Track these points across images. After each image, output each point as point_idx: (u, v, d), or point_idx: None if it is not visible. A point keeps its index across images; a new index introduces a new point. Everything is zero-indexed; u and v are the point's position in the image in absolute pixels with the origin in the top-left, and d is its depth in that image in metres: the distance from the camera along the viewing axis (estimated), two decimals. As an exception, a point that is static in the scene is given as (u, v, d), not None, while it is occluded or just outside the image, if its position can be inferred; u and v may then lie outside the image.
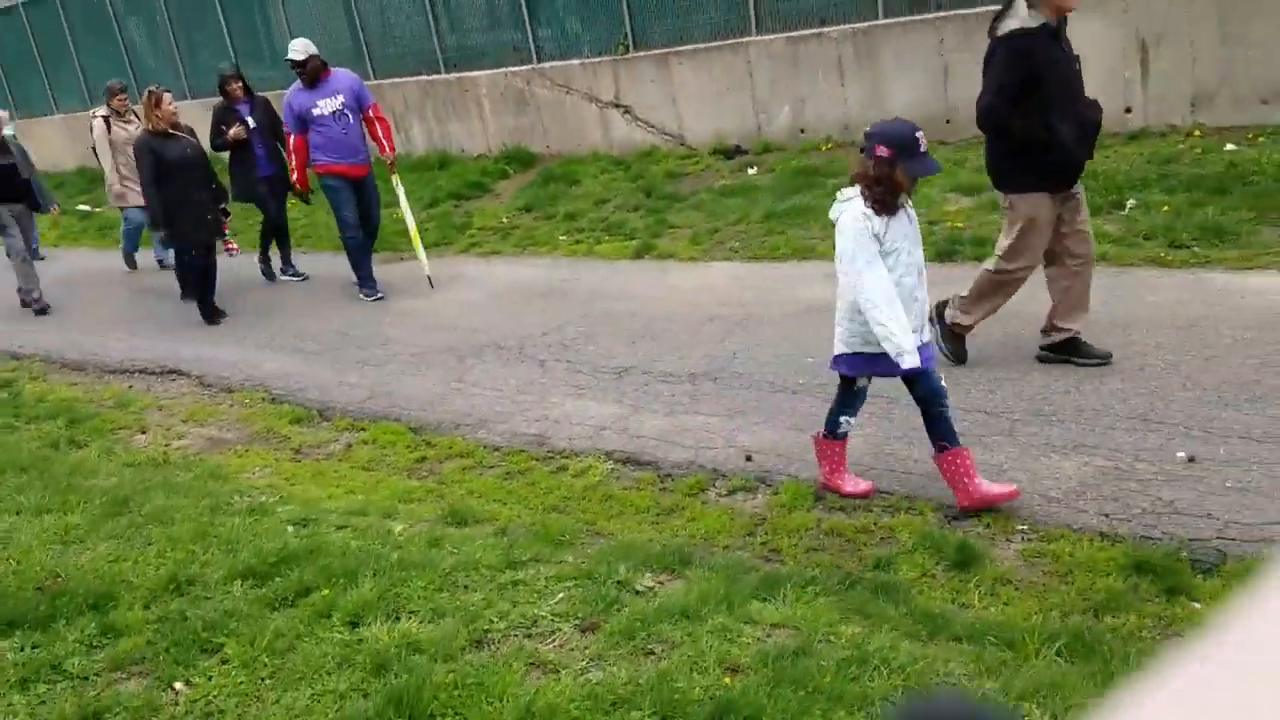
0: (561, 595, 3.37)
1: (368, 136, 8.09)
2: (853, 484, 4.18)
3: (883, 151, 3.69)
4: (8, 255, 9.38)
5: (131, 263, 10.62)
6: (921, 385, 3.91)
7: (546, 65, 11.88)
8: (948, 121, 9.24)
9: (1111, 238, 6.43)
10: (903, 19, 9.38)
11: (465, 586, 3.47)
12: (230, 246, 8.35)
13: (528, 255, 8.92)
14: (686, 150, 10.86)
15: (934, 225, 7.49)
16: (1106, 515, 3.72)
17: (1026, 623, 3.13)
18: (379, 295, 8.08)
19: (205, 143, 8.33)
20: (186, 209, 7.72)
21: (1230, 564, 3.33)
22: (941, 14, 9.12)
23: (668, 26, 11.01)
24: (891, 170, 3.67)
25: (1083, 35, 8.39)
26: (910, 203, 3.92)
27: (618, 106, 11.49)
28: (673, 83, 10.96)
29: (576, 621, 3.18)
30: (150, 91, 7.84)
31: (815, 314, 6.27)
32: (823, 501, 4.20)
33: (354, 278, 8.28)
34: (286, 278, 9.30)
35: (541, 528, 4.12)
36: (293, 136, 7.97)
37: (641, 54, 11.09)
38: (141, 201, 8.56)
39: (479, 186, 11.20)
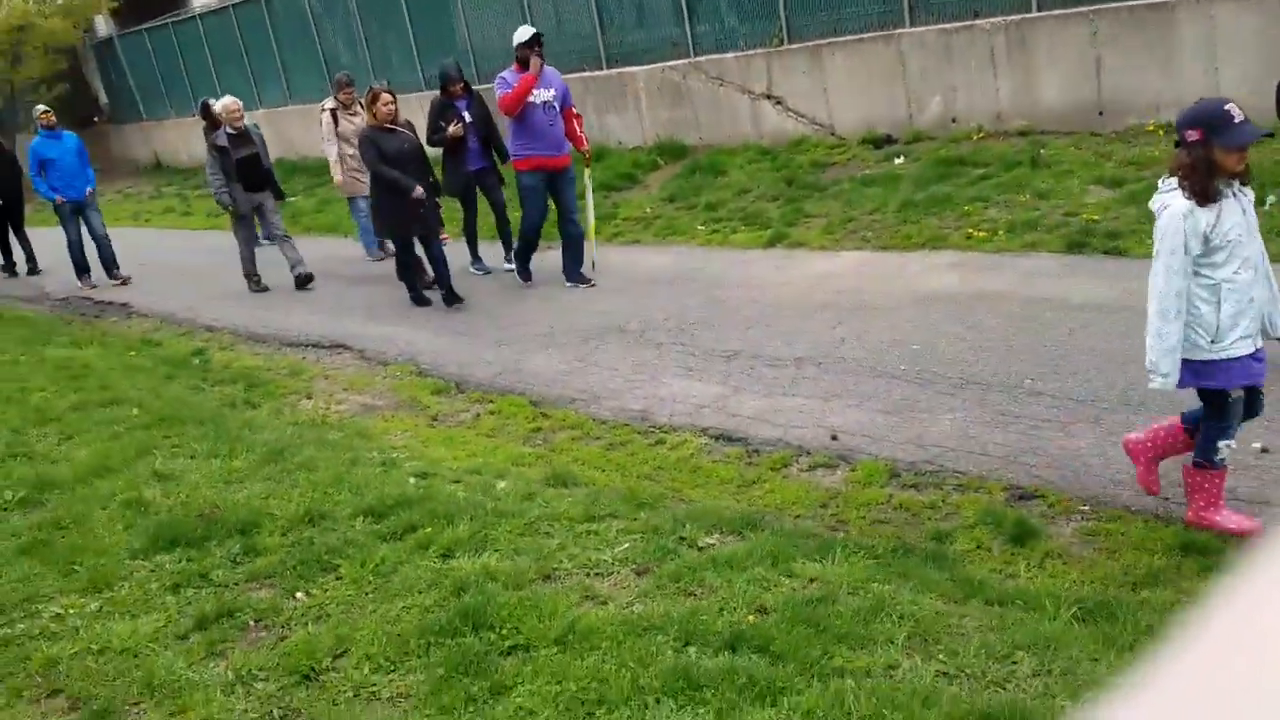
0: (627, 545, 3.76)
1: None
2: (1236, 520, 3.59)
3: (1192, 135, 3.36)
4: (237, 238, 10.15)
5: (376, 249, 10.85)
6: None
7: (702, 59, 12.24)
8: (1100, 114, 9.04)
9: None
10: (1056, 11, 9.24)
11: (546, 533, 3.90)
12: (444, 237, 8.65)
13: (665, 244, 9.33)
14: (835, 140, 11.00)
15: (1070, 217, 7.42)
16: (1167, 499, 3.79)
17: (1059, 591, 3.28)
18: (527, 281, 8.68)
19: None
20: (405, 202, 7.90)
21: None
22: (1095, 7, 8.93)
23: (822, 19, 11.18)
24: (1207, 151, 3.33)
25: (1244, 29, 8.13)
26: (1243, 188, 3.52)
27: (769, 98, 11.73)
28: (824, 73, 11.11)
29: (634, 566, 3.56)
30: (371, 89, 8.27)
31: (930, 303, 6.42)
32: (897, 479, 4.41)
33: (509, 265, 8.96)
34: (509, 267, 9.14)
35: (628, 491, 4.51)
36: (508, 94, 7.97)
37: (795, 46, 11.29)
38: (367, 190, 8.83)
39: (629, 178, 11.68)
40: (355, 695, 2.85)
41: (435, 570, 3.55)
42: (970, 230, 7.60)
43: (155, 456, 5.10)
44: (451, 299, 8.31)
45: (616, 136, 13.35)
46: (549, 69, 8.26)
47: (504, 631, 3.06)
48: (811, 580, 3.39)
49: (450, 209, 9.77)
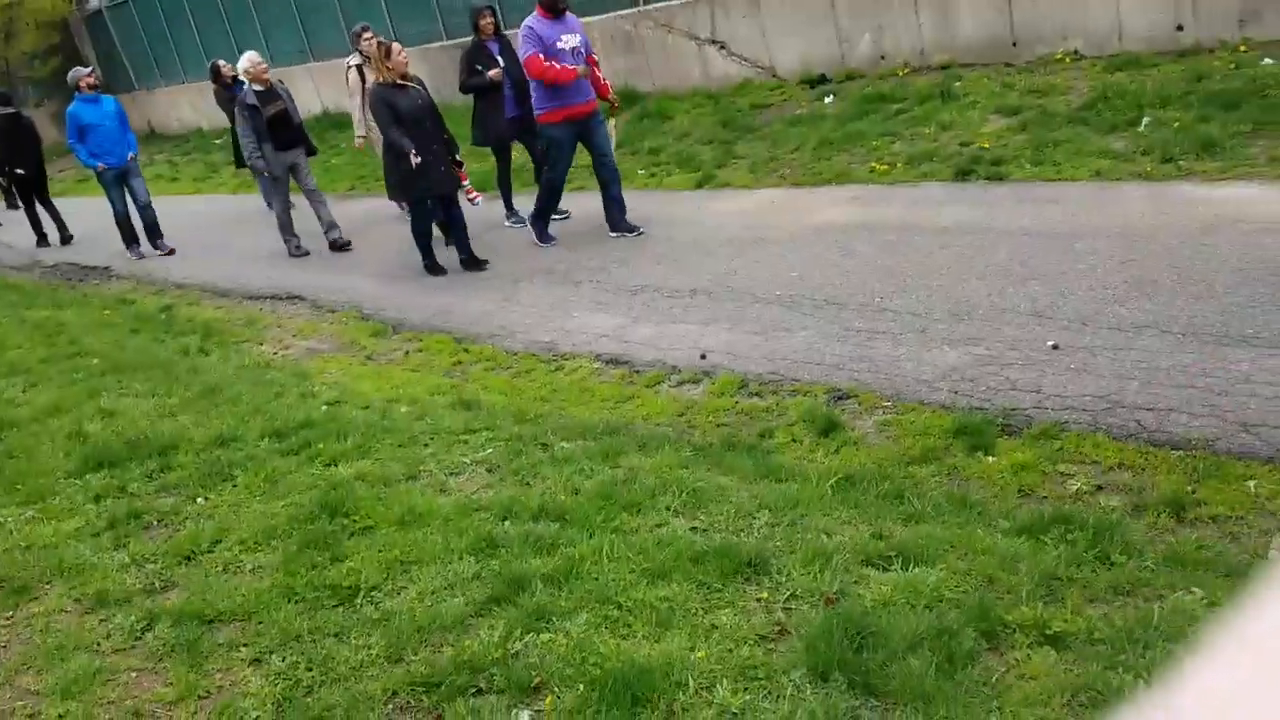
0: (490, 451, 4.34)
1: None
2: None
3: None
4: (268, 204, 10.28)
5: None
6: None
7: (650, 8, 12.62)
8: (1013, 44, 9.42)
9: (1112, 154, 6.69)
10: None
11: (425, 445, 4.49)
12: (472, 195, 8.24)
13: (602, 189, 9.79)
14: (776, 82, 11.42)
15: (964, 147, 7.86)
16: (956, 392, 4.33)
17: (835, 468, 3.84)
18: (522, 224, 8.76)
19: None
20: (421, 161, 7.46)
21: (1033, 428, 3.91)
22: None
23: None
24: None
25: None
26: None
27: (714, 43, 12.13)
28: (762, 17, 11.50)
29: (488, 466, 4.14)
30: (380, 42, 7.83)
31: (821, 234, 6.91)
32: (745, 389, 4.96)
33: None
34: (511, 224, 9.13)
35: (516, 410, 5.09)
36: (540, 58, 7.52)
37: (739, -10, 11.68)
38: None
39: (581, 128, 12.09)
40: (224, 570, 3.45)
41: (316, 476, 4.14)
42: (874, 165, 8.05)
43: (103, 397, 5.70)
44: (471, 264, 8.02)
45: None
46: (569, 14, 7.84)
47: (356, 518, 3.65)
48: (631, 470, 3.96)
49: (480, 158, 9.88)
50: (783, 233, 7.14)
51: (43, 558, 3.68)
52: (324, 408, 5.26)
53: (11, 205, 14.76)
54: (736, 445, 4.30)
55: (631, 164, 10.32)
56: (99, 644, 3.09)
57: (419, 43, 15.39)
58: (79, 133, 10.73)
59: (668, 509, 3.46)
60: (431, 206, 7.96)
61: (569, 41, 7.67)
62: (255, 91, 9.27)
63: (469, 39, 8.90)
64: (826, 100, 10.19)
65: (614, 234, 8.07)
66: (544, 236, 8.35)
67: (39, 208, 13.39)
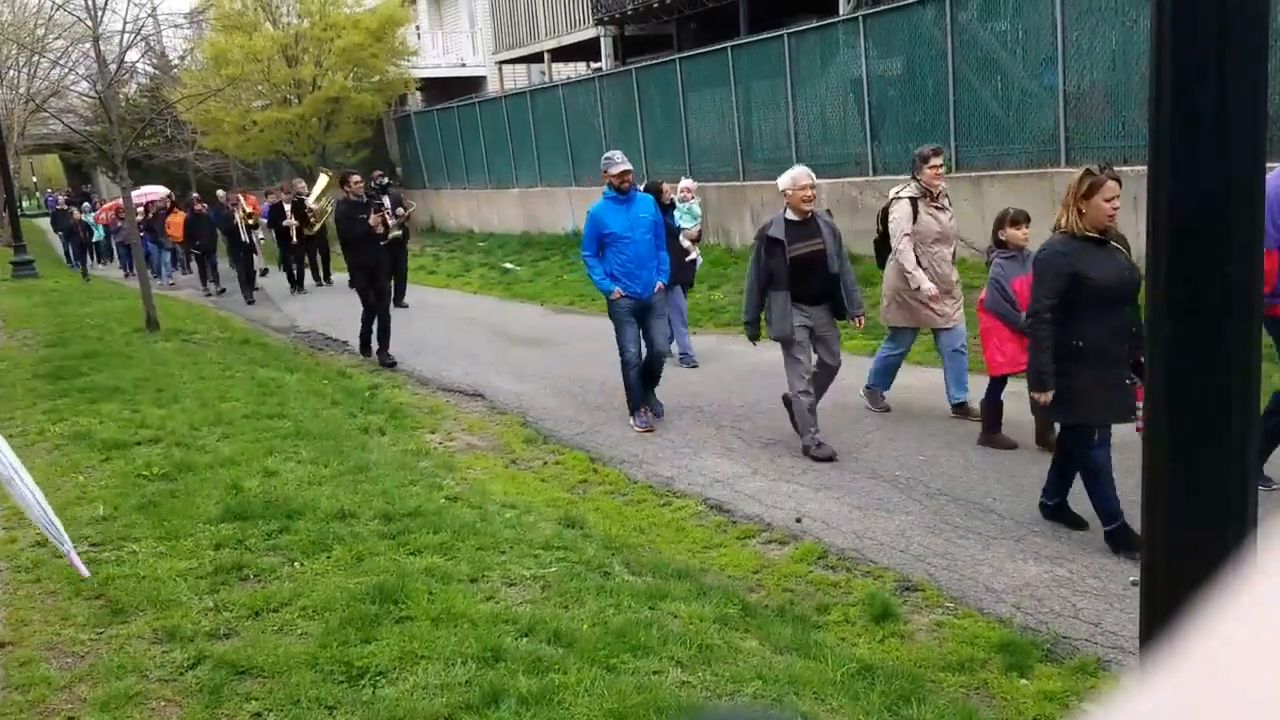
0: (555, 568, 4.60)
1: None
2: None
3: None
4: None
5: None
6: None
7: (879, 178, 12.94)
8: None
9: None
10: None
11: (502, 551, 4.81)
12: None
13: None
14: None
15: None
16: (1019, 608, 4.19)
17: (863, 657, 3.81)
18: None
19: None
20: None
21: (1074, 660, 3.73)
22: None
23: (987, 152, 11.68)
24: None
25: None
26: None
27: (934, 218, 12.23)
28: (984, 201, 11.53)
29: (544, 582, 4.40)
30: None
31: (964, 424, 6.80)
32: (823, 559, 4.97)
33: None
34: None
35: (610, 535, 5.35)
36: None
37: (959, 175, 11.81)
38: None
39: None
40: (278, 630, 3.87)
41: (394, 561, 4.55)
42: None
43: (272, 458, 6.45)
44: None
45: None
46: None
47: (403, 606, 3.99)
48: (670, 613, 4.10)
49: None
50: (927, 412, 7.08)
51: (149, 587, 4.26)
52: (441, 500, 5.72)
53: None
54: (787, 613, 4.34)
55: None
56: (149, 670, 3.56)
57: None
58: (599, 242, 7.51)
59: (671, 658, 3.57)
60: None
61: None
62: (787, 220, 6.47)
63: None
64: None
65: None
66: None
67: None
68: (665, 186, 10.09)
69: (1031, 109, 11.26)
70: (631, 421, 7.63)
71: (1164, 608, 1.91)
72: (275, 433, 7.32)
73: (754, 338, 6.90)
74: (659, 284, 7.58)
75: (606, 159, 7.52)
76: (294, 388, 9.46)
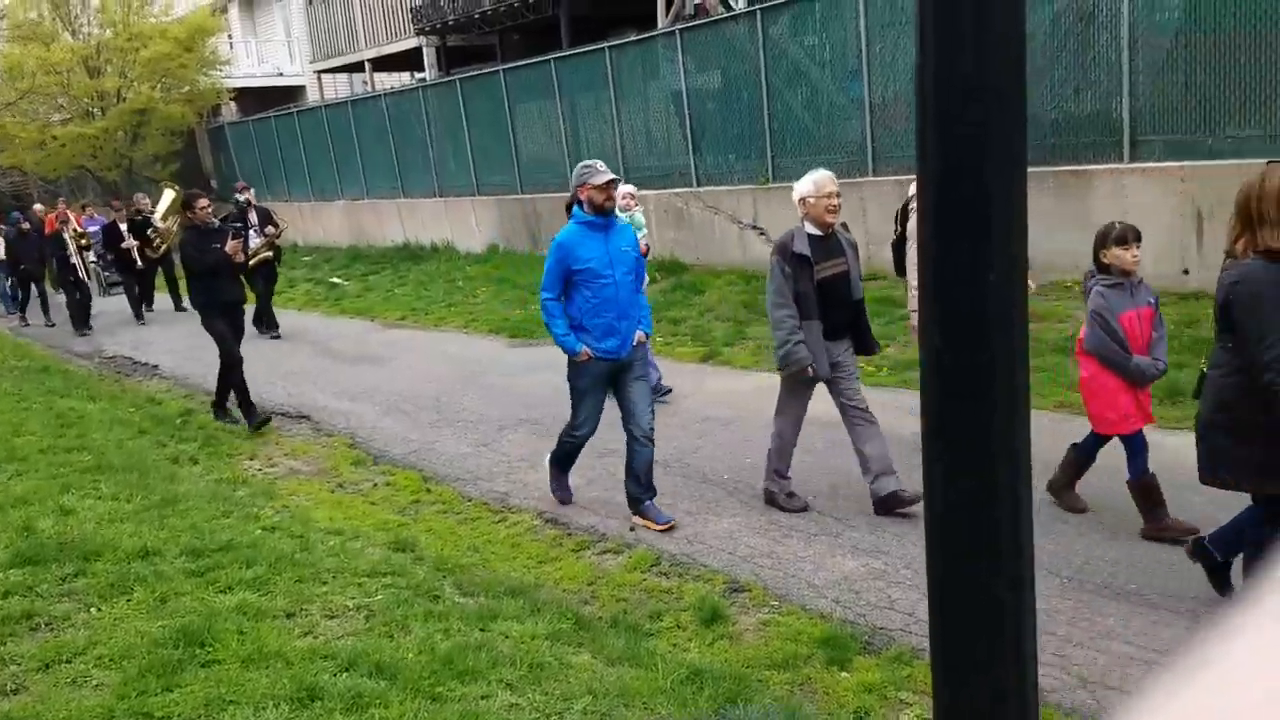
0: (380, 596, 4.43)
1: None
2: None
3: None
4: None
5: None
6: None
7: (703, 189, 13.20)
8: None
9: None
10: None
11: (324, 582, 4.60)
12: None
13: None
14: (810, 270, 11.72)
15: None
16: (839, 602, 4.31)
17: (690, 661, 3.83)
18: None
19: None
20: None
21: (891, 650, 3.86)
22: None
23: (802, 163, 12.07)
24: None
25: (1144, 202, 8.66)
26: None
27: (755, 228, 12.57)
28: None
29: (368, 612, 4.23)
30: None
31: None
32: (657, 566, 4.99)
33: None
34: None
35: (441, 557, 5.21)
36: None
37: (778, 185, 12.19)
38: None
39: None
40: (71, 682, 3.57)
41: (201, 600, 4.28)
42: (864, 364, 8.15)
43: (68, 495, 5.99)
44: None
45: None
46: None
47: (210, 649, 3.76)
48: (501, 633, 4.01)
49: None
50: (759, 418, 7.22)
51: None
52: (258, 531, 5.44)
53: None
54: (620, 623, 4.32)
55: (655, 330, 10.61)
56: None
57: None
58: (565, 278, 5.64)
59: (500, 681, 3.49)
60: None
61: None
62: (810, 235, 5.43)
63: None
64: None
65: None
66: None
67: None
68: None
69: (840, 120, 11.71)
70: (553, 488, 6.06)
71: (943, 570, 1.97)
72: (74, 467, 6.82)
73: (805, 367, 5.32)
74: (639, 334, 5.70)
75: (585, 168, 5.51)
76: (97, 417, 8.85)
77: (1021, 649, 2.16)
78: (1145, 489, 4.65)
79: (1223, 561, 3.98)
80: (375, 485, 6.90)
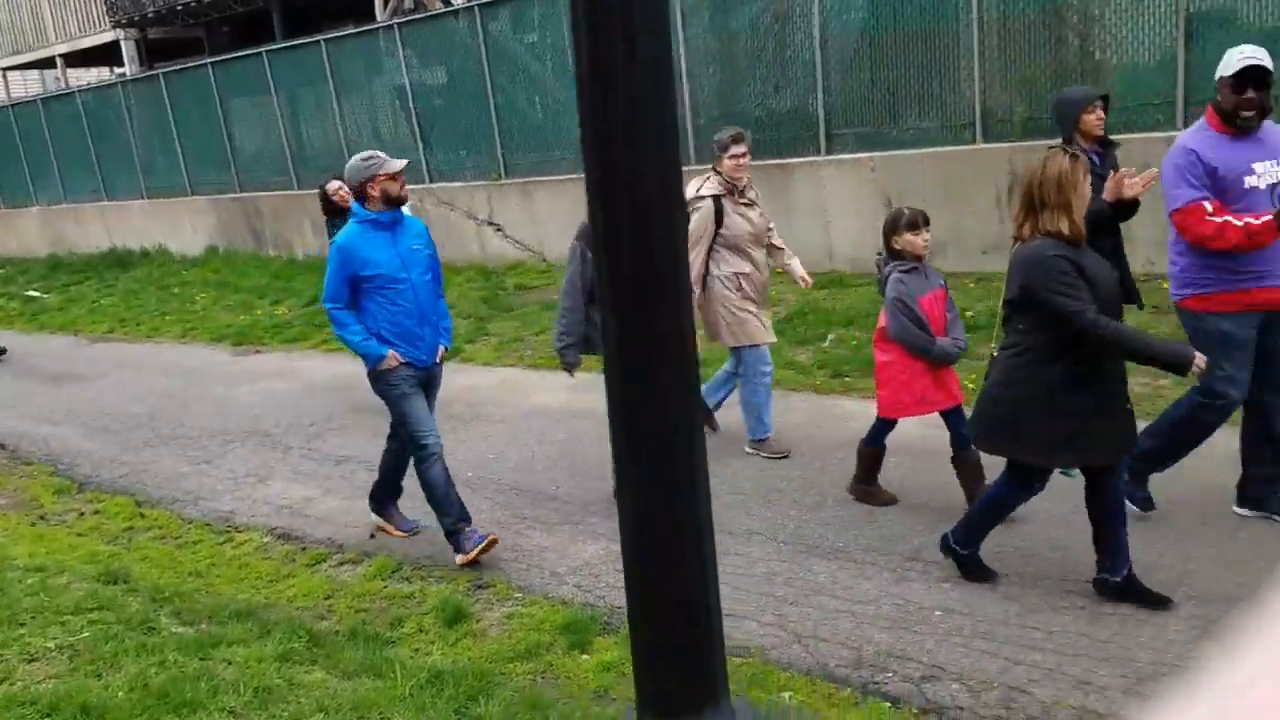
0: (88, 634, 4.09)
1: None
2: None
3: None
4: None
5: None
6: None
7: (435, 186, 13.02)
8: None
9: (795, 365, 7.20)
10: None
11: (21, 624, 4.20)
12: None
13: (345, 353, 9.77)
14: (546, 265, 11.83)
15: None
16: (580, 587, 4.41)
17: (430, 664, 3.80)
18: None
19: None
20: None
21: (627, 627, 3.99)
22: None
23: (532, 160, 12.19)
24: None
25: (840, 192, 9.41)
26: None
27: (491, 224, 12.56)
28: (534, 206, 12.03)
29: (73, 651, 3.90)
30: None
31: (529, 418, 7.04)
32: (399, 572, 4.89)
33: None
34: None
35: (158, 586, 4.86)
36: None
37: (510, 181, 12.23)
38: None
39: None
40: None
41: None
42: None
43: None
44: None
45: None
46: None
47: (-118, 707, 3.35)
48: (224, 660, 3.80)
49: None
50: (500, 414, 7.25)
51: None
52: (-60, 574, 4.87)
53: None
54: (359, 635, 4.21)
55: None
56: None
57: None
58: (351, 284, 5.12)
59: (223, 709, 3.32)
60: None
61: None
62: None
63: None
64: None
65: None
66: None
67: None
68: (340, 190, 7.64)
69: (567, 117, 11.89)
70: (462, 543, 4.86)
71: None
72: None
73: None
74: (442, 347, 5.18)
75: (370, 159, 4.83)
76: None
77: (709, 609, 2.36)
78: (876, 456, 4.93)
79: (966, 553, 4.07)
80: (82, 515, 6.34)
